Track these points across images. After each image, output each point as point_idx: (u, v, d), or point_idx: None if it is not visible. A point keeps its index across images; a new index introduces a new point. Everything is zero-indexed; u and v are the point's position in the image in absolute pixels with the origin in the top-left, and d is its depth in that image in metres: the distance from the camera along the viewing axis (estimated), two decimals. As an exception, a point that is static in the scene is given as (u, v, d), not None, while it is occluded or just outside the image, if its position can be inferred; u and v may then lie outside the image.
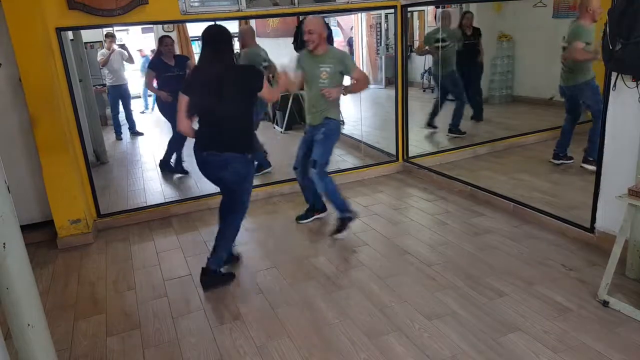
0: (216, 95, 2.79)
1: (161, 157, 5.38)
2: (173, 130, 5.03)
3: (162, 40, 5.29)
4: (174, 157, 5.34)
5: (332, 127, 3.63)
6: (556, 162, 4.74)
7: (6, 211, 1.42)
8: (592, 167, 4.35)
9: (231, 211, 3.09)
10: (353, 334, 2.50)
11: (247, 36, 5.18)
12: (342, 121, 3.72)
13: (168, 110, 4.94)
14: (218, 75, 2.80)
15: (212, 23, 3.04)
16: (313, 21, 3.47)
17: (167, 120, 5.26)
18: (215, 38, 2.87)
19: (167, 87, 5.08)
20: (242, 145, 2.93)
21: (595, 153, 4.46)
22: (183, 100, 2.84)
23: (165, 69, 5.11)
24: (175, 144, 5.23)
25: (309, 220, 3.97)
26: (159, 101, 5.34)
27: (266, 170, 5.09)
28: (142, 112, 7.76)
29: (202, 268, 3.06)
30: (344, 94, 3.64)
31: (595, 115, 4.36)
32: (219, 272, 3.08)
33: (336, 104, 3.67)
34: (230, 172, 2.92)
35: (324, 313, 2.72)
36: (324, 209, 4.00)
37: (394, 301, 2.78)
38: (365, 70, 7.32)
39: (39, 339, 1.55)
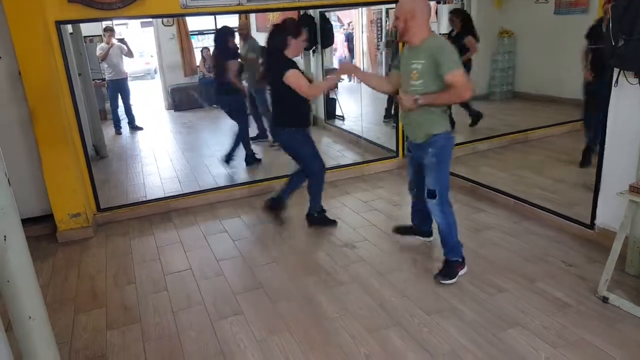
0: None
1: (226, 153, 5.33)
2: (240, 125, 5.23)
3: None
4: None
5: (443, 144, 2.78)
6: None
7: (7, 204, 1.41)
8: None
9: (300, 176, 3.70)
10: (353, 329, 2.51)
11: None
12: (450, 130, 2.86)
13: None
14: None
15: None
16: (399, 3, 2.71)
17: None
18: None
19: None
20: None
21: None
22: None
23: None
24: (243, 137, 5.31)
25: (405, 235, 3.47)
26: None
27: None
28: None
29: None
30: (418, 105, 2.67)
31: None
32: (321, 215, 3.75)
33: (440, 112, 2.77)
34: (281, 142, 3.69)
35: (324, 308, 2.72)
36: (429, 234, 3.40)
37: (394, 296, 2.78)
38: (367, 66, 7.28)
39: (40, 332, 1.55)
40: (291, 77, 3.29)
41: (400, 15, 2.65)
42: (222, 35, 5.02)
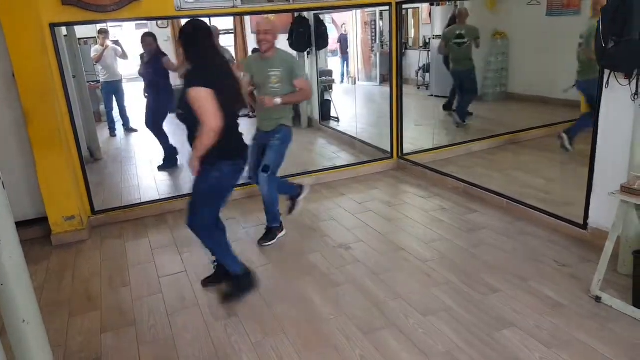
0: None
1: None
2: None
3: None
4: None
5: (287, 133, 3.47)
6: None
7: (0, 207, 1.41)
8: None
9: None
10: (348, 330, 2.52)
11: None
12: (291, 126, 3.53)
13: None
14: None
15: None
16: (269, 21, 3.35)
17: None
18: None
19: None
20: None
21: (574, 131, 4.62)
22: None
23: None
24: None
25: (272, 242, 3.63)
26: None
27: None
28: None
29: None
30: (276, 104, 3.29)
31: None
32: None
33: (289, 110, 3.53)
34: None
35: (319, 309, 2.73)
36: (299, 192, 3.78)
37: (389, 297, 2.79)
38: (361, 67, 7.33)
39: (34, 335, 1.55)
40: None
41: (272, 31, 3.24)
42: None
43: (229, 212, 4.19)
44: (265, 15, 3.38)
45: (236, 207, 4.30)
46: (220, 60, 2.74)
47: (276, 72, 3.29)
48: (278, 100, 3.29)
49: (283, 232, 3.67)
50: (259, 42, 3.28)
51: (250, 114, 5.18)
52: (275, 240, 3.60)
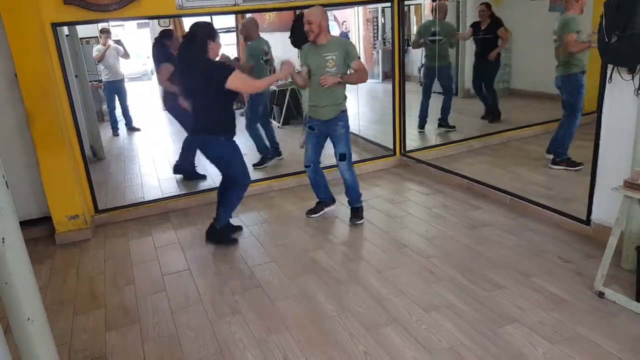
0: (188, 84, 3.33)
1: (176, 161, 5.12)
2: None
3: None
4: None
5: (348, 119, 3.68)
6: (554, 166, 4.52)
7: (5, 206, 1.42)
8: (558, 167, 4.46)
9: (224, 187, 3.57)
10: (351, 327, 2.52)
11: (249, 29, 5.13)
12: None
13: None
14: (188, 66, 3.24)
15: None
16: (312, 11, 3.43)
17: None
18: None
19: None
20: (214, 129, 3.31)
21: (554, 147, 4.49)
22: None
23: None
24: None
25: (319, 214, 3.96)
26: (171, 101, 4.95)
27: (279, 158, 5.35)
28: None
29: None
30: (340, 82, 3.49)
31: (567, 110, 4.38)
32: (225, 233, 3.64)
33: (345, 96, 3.65)
34: (209, 152, 3.41)
35: (323, 306, 2.73)
36: (332, 201, 4.02)
37: (392, 294, 2.79)
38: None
39: (39, 333, 1.56)
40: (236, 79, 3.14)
41: (314, 21, 3.38)
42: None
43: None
44: (313, 7, 3.47)
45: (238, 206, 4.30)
46: None
47: (332, 55, 3.43)
48: (338, 78, 3.44)
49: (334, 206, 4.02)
50: (306, 32, 3.45)
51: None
52: (361, 219, 3.81)
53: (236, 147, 3.43)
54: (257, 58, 5.05)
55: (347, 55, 3.47)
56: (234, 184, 3.47)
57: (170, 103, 4.95)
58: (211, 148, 3.37)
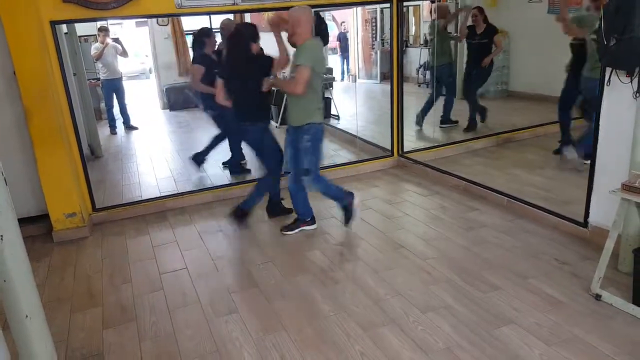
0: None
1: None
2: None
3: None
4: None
5: (316, 133, 3.38)
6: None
7: (3, 203, 1.42)
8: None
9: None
10: (348, 327, 2.52)
11: (230, 30, 5.10)
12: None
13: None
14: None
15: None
16: (292, 10, 3.34)
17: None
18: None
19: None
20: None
21: (587, 148, 4.49)
22: None
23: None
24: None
25: (295, 231, 3.67)
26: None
27: None
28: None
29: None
30: (273, 85, 3.58)
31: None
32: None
33: (317, 107, 3.41)
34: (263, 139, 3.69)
35: (320, 306, 2.74)
36: (312, 220, 3.73)
37: (389, 294, 2.80)
38: (361, 65, 7.31)
39: (37, 331, 1.56)
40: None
41: (289, 20, 3.29)
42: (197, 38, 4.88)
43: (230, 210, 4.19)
44: (298, 7, 3.40)
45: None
46: None
47: (295, 60, 3.35)
48: (271, 81, 3.55)
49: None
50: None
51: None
52: (353, 216, 3.69)
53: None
54: None
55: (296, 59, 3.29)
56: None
57: (207, 103, 4.79)
58: (258, 135, 3.66)
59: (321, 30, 6.56)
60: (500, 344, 2.33)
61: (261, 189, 3.81)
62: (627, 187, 2.47)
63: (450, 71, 5.98)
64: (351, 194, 3.61)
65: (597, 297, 2.61)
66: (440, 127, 5.97)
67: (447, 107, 5.97)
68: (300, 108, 3.38)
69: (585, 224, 3.26)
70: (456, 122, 5.93)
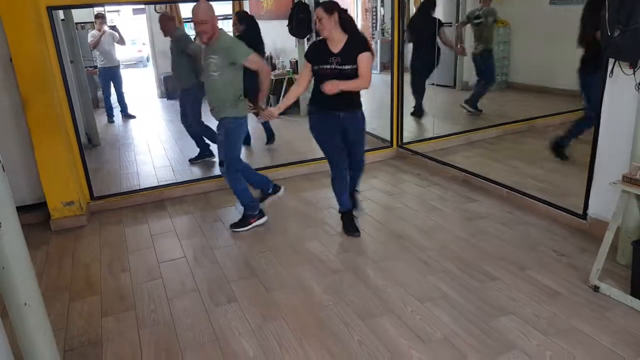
0: None
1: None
2: None
3: None
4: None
5: (232, 124, 3.34)
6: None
7: (1, 191, 1.41)
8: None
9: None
10: (347, 316, 2.53)
11: (165, 24, 4.99)
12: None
13: None
14: None
15: None
16: (202, 8, 3.13)
17: None
18: None
19: None
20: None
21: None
22: None
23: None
24: None
25: (246, 228, 3.61)
26: None
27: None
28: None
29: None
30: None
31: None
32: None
33: (235, 99, 3.32)
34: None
35: (318, 296, 2.74)
36: (275, 188, 3.77)
37: (388, 284, 2.80)
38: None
39: (36, 318, 1.55)
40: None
41: (208, 21, 3.10)
42: None
43: (228, 199, 4.18)
44: (201, 2, 3.19)
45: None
46: None
47: (214, 59, 3.19)
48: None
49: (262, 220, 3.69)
50: (197, 33, 3.21)
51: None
52: (239, 228, 3.64)
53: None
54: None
55: (233, 58, 3.19)
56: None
57: None
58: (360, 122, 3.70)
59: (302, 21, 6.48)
60: (498, 334, 2.34)
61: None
62: (627, 179, 2.46)
63: (487, 57, 6.02)
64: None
65: (595, 288, 2.62)
66: (461, 105, 5.97)
67: (478, 92, 6.00)
68: (218, 101, 3.31)
69: (584, 215, 3.26)
70: (480, 111, 5.93)
